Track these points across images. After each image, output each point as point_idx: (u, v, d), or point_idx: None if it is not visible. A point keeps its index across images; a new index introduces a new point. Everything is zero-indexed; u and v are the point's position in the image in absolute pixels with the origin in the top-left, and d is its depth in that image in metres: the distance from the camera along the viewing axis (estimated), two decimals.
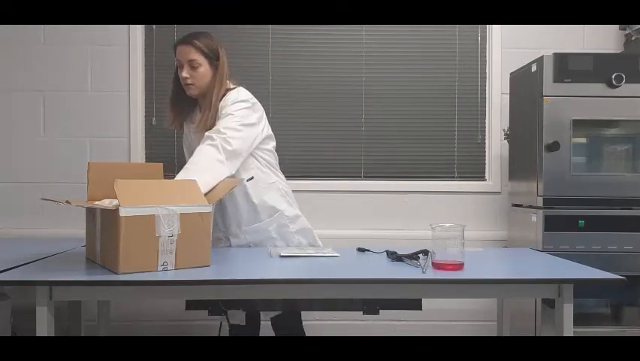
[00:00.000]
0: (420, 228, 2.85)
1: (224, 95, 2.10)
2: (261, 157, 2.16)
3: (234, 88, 2.13)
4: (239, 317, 2.09)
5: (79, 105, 2.91)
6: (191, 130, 2.19)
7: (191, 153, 2.02)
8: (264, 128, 2.15)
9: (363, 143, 2.98)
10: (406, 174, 2.99)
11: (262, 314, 2.25)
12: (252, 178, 2.13)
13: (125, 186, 1.61)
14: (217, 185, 1.89)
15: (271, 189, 2.18)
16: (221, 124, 2.01)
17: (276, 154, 2.23)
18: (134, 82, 2.92)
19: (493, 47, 2.96)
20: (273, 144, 2.21)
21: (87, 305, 2.42)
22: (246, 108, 2.06)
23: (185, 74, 2.08)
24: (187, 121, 2.23)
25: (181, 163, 2.87)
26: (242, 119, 2.03)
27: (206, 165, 1.92)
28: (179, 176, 1.88)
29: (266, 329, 2.33)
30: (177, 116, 2.20)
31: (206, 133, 1.99)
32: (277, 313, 2.18)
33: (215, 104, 2.08)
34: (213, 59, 2.11)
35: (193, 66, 2.08)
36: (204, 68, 2.09)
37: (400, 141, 2.98)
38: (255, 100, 2.13)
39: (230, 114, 2.02)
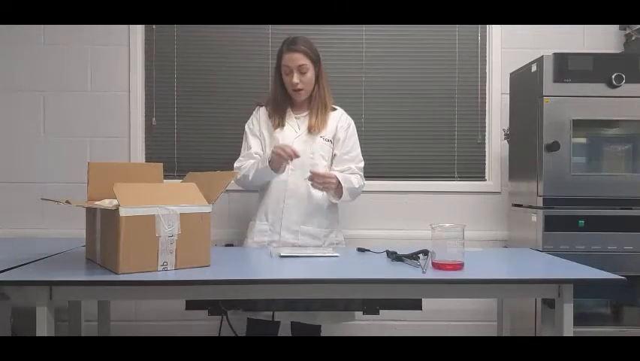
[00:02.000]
0: (420, 228, 2.85)
1: (334, 107, 2.33)
2: None
3: (336, 106, 2.36)
4: (264, 313, 2.11)
5: (79, 105, 2.91)
6: (291, 129, 2.26)
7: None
8: None
9: (363, 143, 2.97)
10: (406, 174, 2.99)
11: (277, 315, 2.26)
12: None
13: (124, 187, 1.61)
14: (213, 179, 1.91)
15: (335, 206, 2.33)
16: (357, 157, 2.35)
17: None
18: (134, 82, 2.92)
19: (493, 47, 2.96)
20: None
21: (87, 305, 2.42)
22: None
23: (296, 79, 2.18)
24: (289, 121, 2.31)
25: (181, 163, 2.89)
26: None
27: (355, 185, 2.26)
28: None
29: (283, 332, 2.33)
30: (281, 120, 2.27)
31: (351, 166, 2.29)
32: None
33: (328, 107, 2.29)
34: (317, 61, 2.23)
35: (302, 71, 2.19)
36: (311, 72, 2.22)
37: (399, 141, 2.98)
38: None
39: (357, 147, 2.36)
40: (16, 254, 1.90)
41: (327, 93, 2.29)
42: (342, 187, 2.18)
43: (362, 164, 2.34)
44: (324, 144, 2.26)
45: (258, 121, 2.31)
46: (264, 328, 2.21)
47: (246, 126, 2.36)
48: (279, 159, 2.10)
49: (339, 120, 2.32)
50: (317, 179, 2.10)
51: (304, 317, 2.16)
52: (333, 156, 2.29)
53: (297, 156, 2.09)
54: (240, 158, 2.29)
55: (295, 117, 2.28)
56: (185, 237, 1.64)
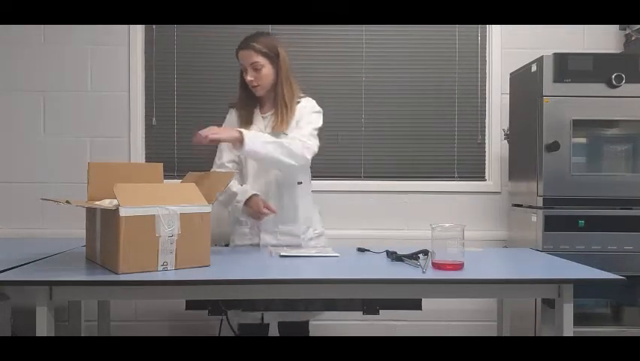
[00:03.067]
0: (420, 228, 2.85)
1: (298, 100, 2.22)
2: (310, 166, 2.25)
3: (305, 96, 2.27)
4: (252, 316, 2.10)
5: (79, 105, 2.91)
6: (258, 129, 2.21)
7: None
8: None
9: (363, 143, 2.98)
10: (406, 174, 2.99)
11: (266, 315, 2.26)
12: (301, 183, 2.23)
13: (124, 187, 1.61)
14: (212, 180, 1.91)
15: (310, 199, 2.30)
16: (307, 130, 2.15)
17: None
18: (134, 82, 2.92)
19: (493, 47, 2.96)
20: None
21: (87, 305, 2.42)
22: (320, 120, 2.23)
23: (249, 77, 2.16)
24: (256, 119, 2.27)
25: (181, 163, 2.89)
26: (317, 127, 2.19)
27: (293, 149, 2.05)
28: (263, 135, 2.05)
29: (273, 332, 2.34)
30: (248, 118, 2.24)
31: (294, 135, 2.11)
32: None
33: (290, 102, 2.19)
34: (274, 57, 2.18)
35: (256, 68, 2.16)
36: (267, 69, 2.17)
37: (400, 141, 2.98)
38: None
39: (311, 123, 2.18)
40: (16, 254, 1.90)
41: (289, 89, 2.21)
42: (235, 138, 2.01)
43: (309, 142, 2.13)
44: None
45: (231, 124, 2.27)
46: (255, 330, 2.22)
47: None
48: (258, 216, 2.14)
49: (301, 110, 2.23)
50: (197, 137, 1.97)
51: (289, 316, 2.18)
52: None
53: (273, 211, 2.11)
54: (213, 169, 2.26)
55: (262, 116, 2.25)
56: (185, 237, 1.64)
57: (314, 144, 2.14)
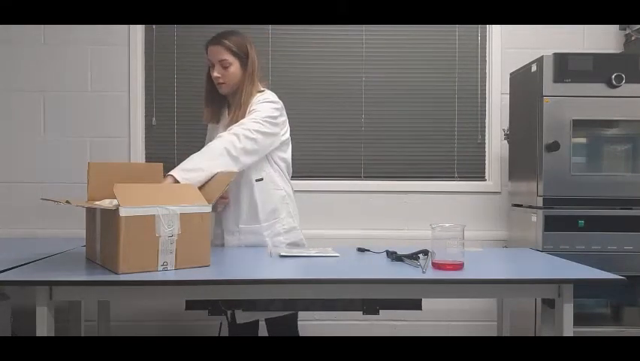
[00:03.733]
0: (420, 228, 2.85)
1: (253, 96, 2.15)
2: (275, 162, 2.18)
3: (263, 90, 2.19)
4: (244, 316, 2.09)
5: (79, 105, 2.91)
6: (221, 127, 2.20)
7: None
8: (285, 132, 2.19)
9: (363, 143, 2.98)
10: (406, 174, 2.99)
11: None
12: (261, 179, 2.15)
13: (124, 188, 1.61)
14: (212, 180, 1.90)
15: (276, 195, 2.20)
16: (246, 118, 2.06)
17: (290, 164, 2.25)
18: (134, 82, 2.92)
19: (493, 47, 2.96)
20: (289, 152, 2.24)
21: (87, 305, 2.42)
22: (273, 109, 2.11)
23: (216, 73, 2.13)
24: (222, 118, 2.25)
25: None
26: (267, 118, 2.07)
27: (220, 151, 1.96)
28: (192, 157, 1.95)
29: (263, 329, 2.34)
30: (214, 114, 2.24)
31: (232, 126, 2.04)
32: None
33: (245, 102, 2.13)
34: (243, 57, 2.16)
35: (224, 66, 2.13)
36: (234, 67, 2.14)
37: (399, 141, 2.98)
38: (282, 104, 2.17)
39: (257, 111, 2.07)
40: (16, 254, 1.90)
41: (250, 90, 2.14)
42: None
43: (250, 127, 2.01)
44: None
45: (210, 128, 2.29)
46: (244, 329, 2.21)
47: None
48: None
49: (256, 100, 2.15)
50: None
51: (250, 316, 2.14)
52: None
53: (225, 199, 2.11)
54: None
55: (228, 118, 2.21)
56: (185, 237, 1.64)
57: (252, 129, 2.00)
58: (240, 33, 2.19)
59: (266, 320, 2.24)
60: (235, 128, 2.02)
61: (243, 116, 2.09)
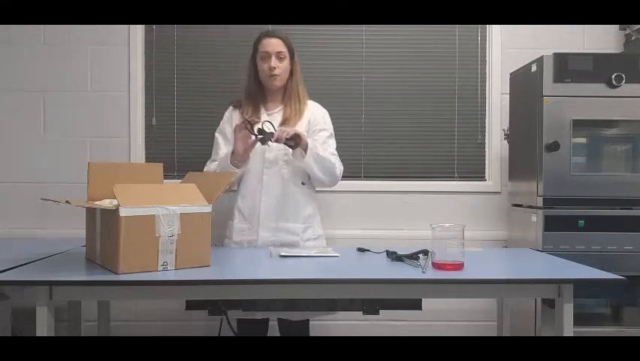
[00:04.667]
0: (420, 228, 2.85)
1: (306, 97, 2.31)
2: None
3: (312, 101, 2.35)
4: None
5: (79, 105, 2.91)
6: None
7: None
8: None
9: (363, 143, 2.98)
10: (406, 174, 2.99)
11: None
12: (304, 183, 2.25)
13: (124, 188, 1.61)
14: (212, 180, 1.91)
15: (313, 200, 2.31)
16: (331, 146, 2.30)
17: None
18: (134, 82, 2.92)
19: (493, 47, 2.96)
20: None
21: (87, 305, 2.42)
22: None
23: (274, 63, 2.19)
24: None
25: (181, 163, 2.89)
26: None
27: (332, 167, 2.22)
28: (324, 155, 2.19)
29: (272, 329, 2.34)
30: (255, 110, 2.26)
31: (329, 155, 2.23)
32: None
33: (304, 100, 2.27)
34: (292, 56, 2.26)
35: (280, 57, 2.20)
36: (287, 62, 2.24)
37: (399, 141, 2.98)
38: None
39: (332, 136, 2.33)
40: (16, 254, 1.90)
41: (302, 88, 2.29)
42: (306, 145, 2.12)
43: (339, 164, 2.29)
44: None
45: (230, 123, 2.27)
46: (254, 327, 2.22)
47: (216, 133, 2.32)
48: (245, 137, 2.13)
49: (314, 111, 2.31)
50: (282, 133, 2.07)
51: (291, 315, 2.18)
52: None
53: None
54: (207, 162, 2.29)
55: (268, 114, 2.25)
56: (185, 237, 1.64)
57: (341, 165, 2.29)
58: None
59: (278, 319, 2.26)
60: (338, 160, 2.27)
61: (302, 113, 2.24)
